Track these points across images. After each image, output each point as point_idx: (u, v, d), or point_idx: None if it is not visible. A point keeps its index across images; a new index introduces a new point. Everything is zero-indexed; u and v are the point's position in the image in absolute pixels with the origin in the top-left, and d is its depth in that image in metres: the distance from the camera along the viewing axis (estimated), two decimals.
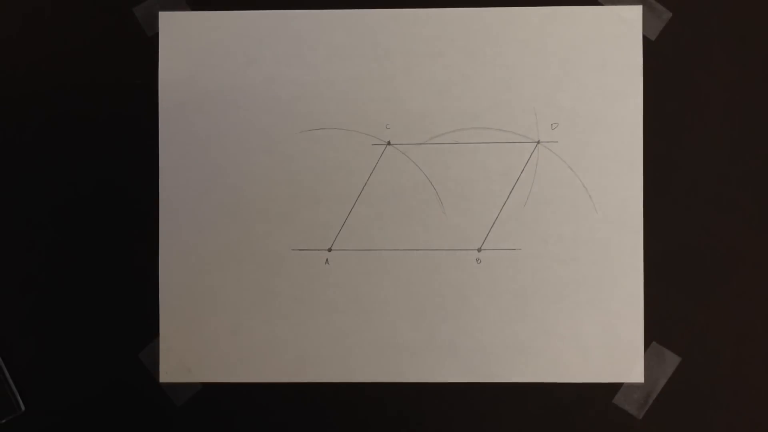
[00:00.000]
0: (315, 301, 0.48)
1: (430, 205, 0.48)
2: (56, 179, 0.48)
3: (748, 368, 0.47)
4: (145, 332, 0.48)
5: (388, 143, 0.48)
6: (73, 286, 0.48)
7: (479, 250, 0.48)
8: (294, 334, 0.48)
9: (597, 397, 0.47)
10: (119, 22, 0.48)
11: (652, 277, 0.47)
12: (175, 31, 0.48)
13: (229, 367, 0.48)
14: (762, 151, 0.47)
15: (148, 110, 0.48)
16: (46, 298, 0.48)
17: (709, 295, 0.47)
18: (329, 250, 0.48)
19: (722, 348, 0.47)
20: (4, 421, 0.47)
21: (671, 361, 0.47)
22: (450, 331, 0.47)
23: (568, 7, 0.48)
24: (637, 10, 0.48)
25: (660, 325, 0.47)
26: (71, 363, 0.48)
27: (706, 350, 0.47)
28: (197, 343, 0.48)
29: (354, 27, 0.48)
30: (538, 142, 0.47)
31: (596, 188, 0.47)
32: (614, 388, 0.47)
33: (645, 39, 0.48)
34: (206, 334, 0.48)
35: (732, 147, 0.47)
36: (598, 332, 0.47)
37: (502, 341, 0.47)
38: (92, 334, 0.48)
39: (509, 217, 0.47)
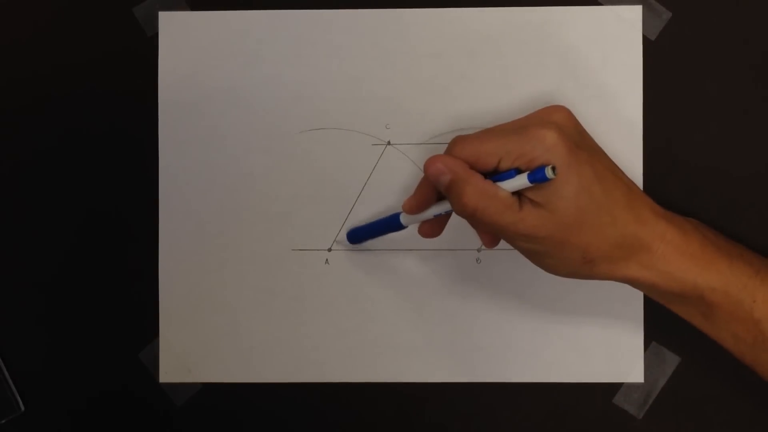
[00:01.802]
0: (315, 301, 0.48)
1: None
2: (55, 179, 0.48)
3: (747, 368, 0.47)
4: (145, 332, 0.48)
5: (388, 143, 0.48)
6: (73, 286, 0.48)
7: (479, 250, 0.48)
8: (294, 334, 0.48)
9: (597, 397, 0.47)
10: (119, 22, 0.48)
11: None
12: (175, 31, 0.48)
13: (229, 367, 0.48)
14: (762, 151, 0.47)
15: (148, 110, 0.48)
16: (46, 298, 0.48)
17: None
18: (329, 250, 0.48)
19: (722, 348, 0.47)
20: (4, 421, 0.47)
21: (671, 361, 0.47)
22: (450, 331, 0.47)
23: (568, 7, 0.48)
24: (637, 10, 0.48)
25: (660, 325, 0.47)
26: (71, 363, 0.48)
27: (706, 350, 0.47)
28: (197, 343, 0.48)
29: (354, 27, 0.48)
30: None
31: None
32: (614, 388, 0.47)
33: (645, 39, 0.48)
34: (206, 334, 0.48)
35: (732, 147, 0.47)
36: (598, 332, 0.47)
37: (502, 341, 0.47)
38: (92, 334, 0.48)
39: None
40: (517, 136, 0.37)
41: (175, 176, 0.48)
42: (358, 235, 0.47)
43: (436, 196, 0.41)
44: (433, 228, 0.43)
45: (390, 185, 0.48)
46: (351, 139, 0.48)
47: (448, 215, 0.42)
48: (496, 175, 0.38)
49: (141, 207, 0.48)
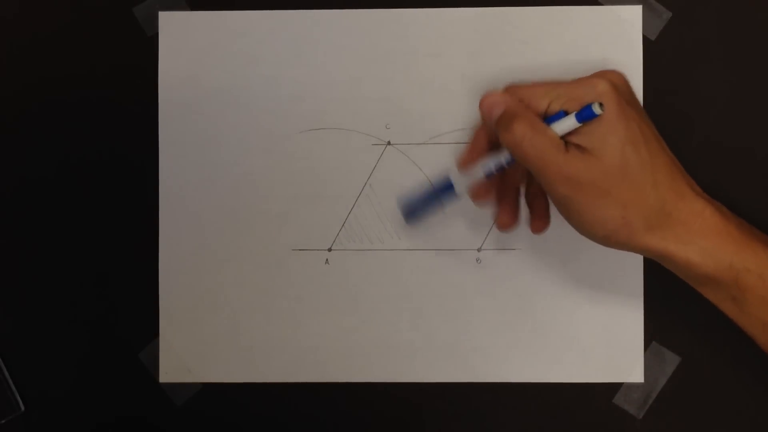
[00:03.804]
0: (315, 301, 0.48)
1: None
2: (56, 179, 0.48)
3: (747, 368, 0.47)
4: (145, 332, 0.48)
5: (388, 143, 0.48)
6: (73, 286, 0.48)
7: (479, 250, 0.48)
8: (294, 334, 0.48)
9: (597, 397, 0.47)
10: (119, 22, 0.48)
11: (652, 277, 0.47)
12: (175, 31, 0.48)
13: (229, 367, 0.48)
14: (762, 151, 0.47)
15: (148, 110, 0.48)
16: (46, 298, 0.48)
17: None
18: (329, 250, 0.48)
19: (722, 348, 0.47)
20: (4, 421, 0.47)
21: (671, 361, 0.47)
22: (450, 331, 0.47)
23: (568, 7, 0.48)
24: (637, 10, 0.48)
25: (660, 325, 0.47)
26: (71, 363, 0.48)
27: (706, 350, 0.47)
28: (197, 343, 0.48)
29: (354, 27, 0.48)
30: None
31: None
32: (614, 388, 0.47)
33: (645, 39, 0.48)
34: (206, 334, 0.48)
35: (732, 147, 0.47)
36: (598, 332, 0.47)
37: (502, 341, 0.47)
38: (92, 334, 0.48)
39: None
40: (569, 83, 0.38)
41: (175, 176, 0.48)
42: (411, 209, 0.45)
43: (487, 151, 0.41)
44: (486, 191, 0.42)
45: (390, 185, 0.48)
46: (351, 139, 0.48)
47: (499, 171, 0.41)
48: (545, 119, 0.38)
49: (141, 207, 0.48)
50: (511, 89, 0.40)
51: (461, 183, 0.42)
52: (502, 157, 0.40)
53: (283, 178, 0.48)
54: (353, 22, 0.48)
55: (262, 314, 0.48)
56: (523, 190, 0.44)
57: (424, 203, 0.44)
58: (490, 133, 0.41)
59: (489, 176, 0.41)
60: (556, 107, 0.38)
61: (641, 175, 0.37)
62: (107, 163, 0.48)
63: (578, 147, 0.37)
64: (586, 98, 0.37)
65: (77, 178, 0.48)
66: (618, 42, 0.47)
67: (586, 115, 0.36)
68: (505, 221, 0.43)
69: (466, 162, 0.42)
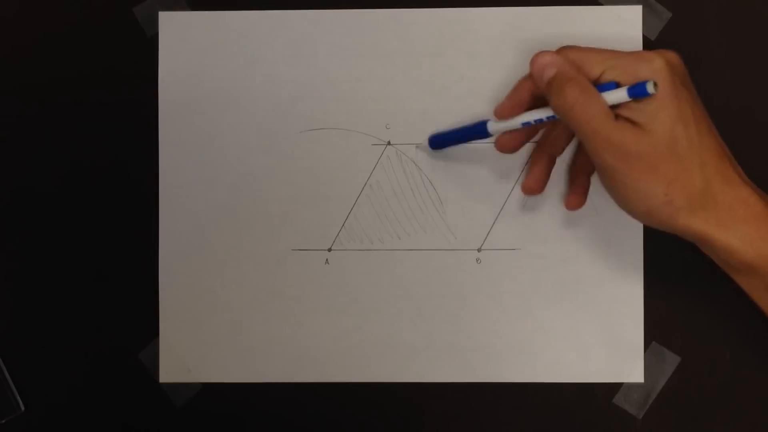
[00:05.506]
0: (315, 301, 0.48)
1: (430, 205, 0.48)
2: (55, 179, 0.48)
3: (747, 368, 0.47)
4: (145, 332, 0.48)
5: (388, 143, 0.48)
6: (73, 286, 0.48)
7: (479, 250, 0.48)
8: (294, 334, 0.48)
9: (597, 397, 0.47)
10: (119, 22, 0.48)
11: (652, 277, 0.47)
12: (175, 31, 0.48)
13: (229, 367, 0.48)
14: (762, 152, 0.47)
15: (148, 110, 0.48)
16: (46, 298, 0.48)
17: (709, 295, 0.47)
18: (329, 250, 0.48)
19: (722, 348, 0.47)
20: (4, 421, 0.47)
21: (671, 361, 0.47)
22: (450, 331, 0.47)
23: (568, 7, 0.48)
24: (637, 10, 0.48)
25: (660, 325, 0.47)
26: (71, 363, 0.48)
27: (706, 350, 0.47)
28: (197, 343, 0.48)
29: (354, 27, 0.48)
30: (538, 142, 0.47)
31: (596, 188, 0.47)
32: (614, 388, 0.47)
33: (645, 39, 0.48)
34: (206, 334, 0.48)
35: (731, 147, 0.47)
36: (598, 332, 0.47)
37: (502, 341, 0.47)
38: (92, 334, 0.48)
39: (509, 217, 0.47)
40: (626, 55, 0.38)
41: (175, 176, 0.48)
42: (440, 140, 0.46)
43: (529, 102, 0.41)
44: (513, 141, 0.43)
45: (390, 185, 0.48)
46: (351, 139, 0.48)
47: (535, 128, 0.41)
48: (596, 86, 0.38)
49: (141, 207, 0.48)
50: (566, 50, 0.39)
51: (498, 126, 0.42)
52: (543, 114, 0.40)
53: (283, 178, 0.48)
54: (353, 22, 0.48)
55: (262, 314, 0.48)
56: (561, 163, 0.44)
57: (453, 135, 0.45)
58: (534, 88, 0.41)
59: (525, 125, 0.41)
60: (609, 77, 0.38)
61: (689, 155, 0.37)
62: (107, 163, 0.48)
63: (628, 120, 0.37)
64: (640, 73, 0.37)
65: (77, 179, 0.48)
66: (618, 42, 0.47)
67: (638, 92, 0.36)
68: (531, 185, 0.43)
69: (505, 113, 0.42)
